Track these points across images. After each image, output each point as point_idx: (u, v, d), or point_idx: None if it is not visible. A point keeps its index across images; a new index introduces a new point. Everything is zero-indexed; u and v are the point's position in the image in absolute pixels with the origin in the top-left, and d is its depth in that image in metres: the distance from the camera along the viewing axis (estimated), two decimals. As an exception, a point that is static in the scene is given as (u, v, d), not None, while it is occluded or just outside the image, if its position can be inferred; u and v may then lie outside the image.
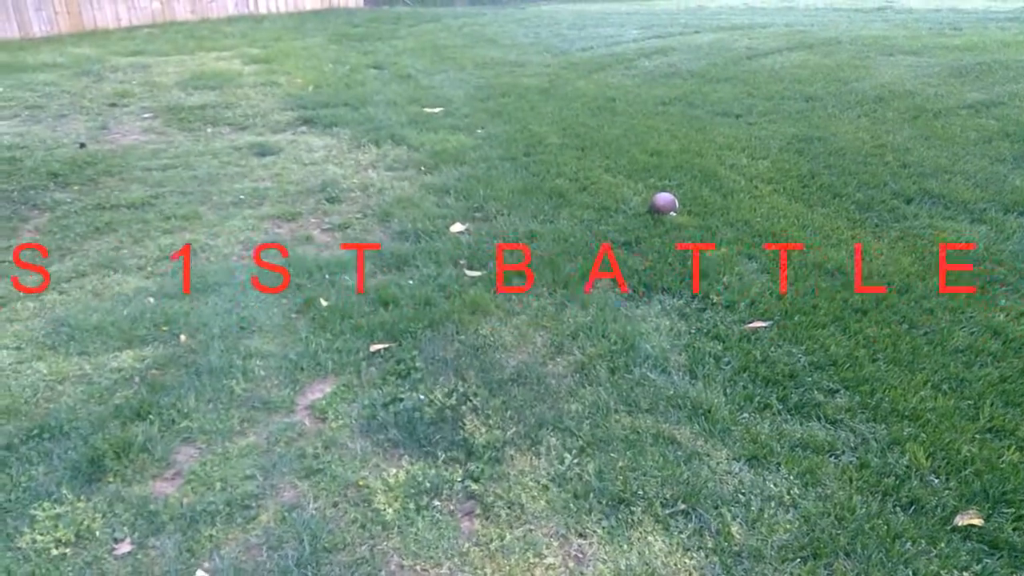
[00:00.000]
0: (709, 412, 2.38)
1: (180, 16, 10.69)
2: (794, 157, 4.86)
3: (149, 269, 3.48)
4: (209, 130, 5.81)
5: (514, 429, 2.33)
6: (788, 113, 5.88)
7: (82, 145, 5.31)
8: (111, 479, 2.13)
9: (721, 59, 7.86)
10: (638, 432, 2.29)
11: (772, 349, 2.73)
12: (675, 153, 4.98)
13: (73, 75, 7.36)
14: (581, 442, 2.26)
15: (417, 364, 2.69)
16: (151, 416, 2.38)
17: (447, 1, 13.55)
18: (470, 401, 2.47)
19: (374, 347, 2.83)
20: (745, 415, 2.39)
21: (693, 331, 2.87)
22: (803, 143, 5.12)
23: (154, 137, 5.61)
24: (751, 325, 2.89)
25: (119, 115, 6.16)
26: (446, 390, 2.53)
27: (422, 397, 2.50)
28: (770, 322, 2.91)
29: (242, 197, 4.41)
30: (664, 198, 4.02)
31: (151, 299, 3.16)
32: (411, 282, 3.34)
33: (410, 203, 4.31)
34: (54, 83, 7.02)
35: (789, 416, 2.39)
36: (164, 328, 2.92)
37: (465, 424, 2.37)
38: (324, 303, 3.15)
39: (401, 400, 2.49)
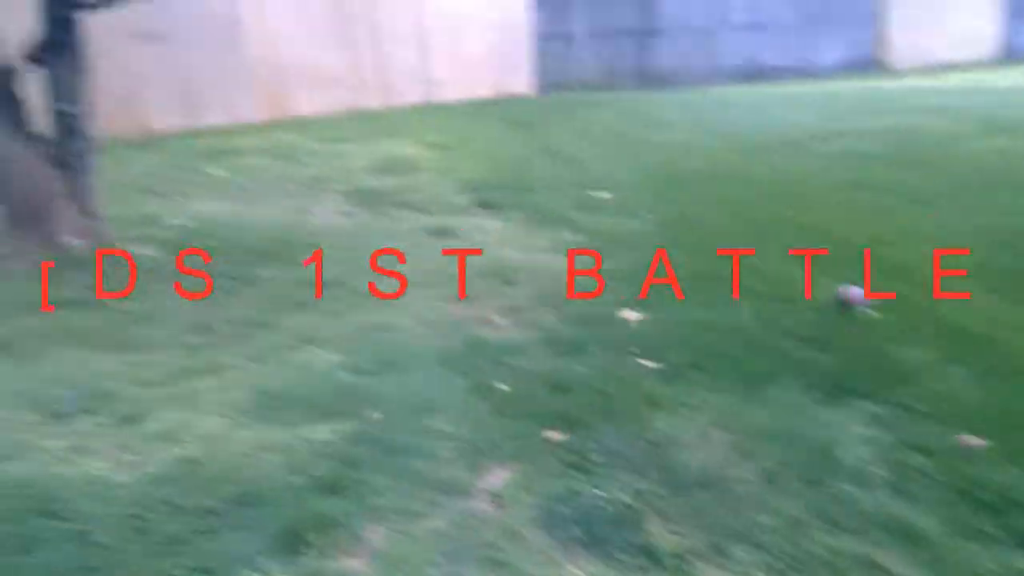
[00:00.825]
0: (920, 536, 2.17)
1: (370, 105, 11.65)
2: (1006, 253, 4.48)
3: (343, 345, 3.70)
4: (394, 213, 6.20)
5: (700, 537, 2.23)
6: (991, 204, 5.46)
7: (287, 225, 5.82)
8: (308, 552, 2.24)
9: (910, 143, 7.49)
10: (839, 554, 2.12)
11: (991, 470, 2.46)
12: (862, 242, 4.74)
13: (277, 159, 8.15)
14: (775, 560, 2.13)
15: (594, 457, 2.66)
16: (345, 491, 2.50)
17: (616, 86, 13.88)
18: (651, 502, 2.40)
19: (550, 434, 2.83)
20: (962, 543, 2.16)
21: (895, 442, 2.66)
22: (1015, 236, 4.72)
23: (345, 219, 6.07)
24: (964, 441, 2.63)
25: (316, 197, 6.72)
26: (626, 488, 2.48)
27: (601, 493, 2.45)
28: (986, 439, 2.64)
29: (423, 278, 4.63)
30: (854, 291, 3.82)
31: (344, 374, 3.36)
32: (585, 369, 3.34)
33: (581, 287, 4.35)
34: (261, 167, 7.81)
35: (1015, 549, 2.13)
36: (356, 403, 3.08)
37: (647, 527, 2.29)
38: (500, 386, 3.21)
39: (579, 494, 2.46)
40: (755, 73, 14.65)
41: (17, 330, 3.90)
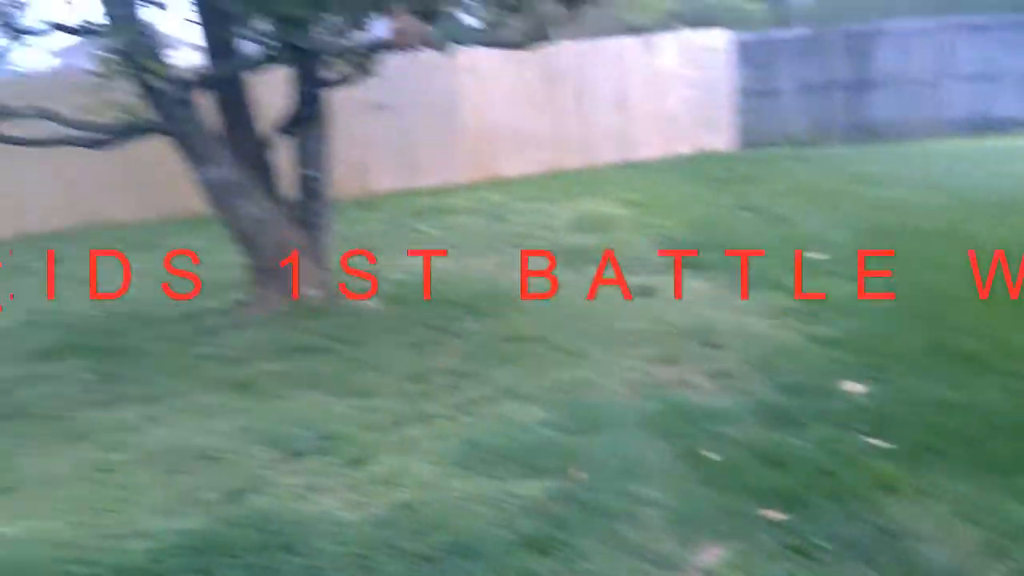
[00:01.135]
0: None
1: (569, 165, 11.98)
2: None
3: (546, 400, 3.77)
4: (593, 270, 6.27)
5: (948, 645, 1.99)
6: None
7: (492, 281, 6.08)
8: (520, 609, 2.26)
9: None
10: None
11: None
12: None
13: (484, 218, 8.57)
14: None
15: (819, 542, 2.47)
16: (554, 552, 2.51)
17: (822, 141, 13.26)
18: (888, 598, 2.19)
19: (766, 513, 2.68)
20: None
21: None
22: None
23: (547, 276, 6.22)
24: None
25: (518, 254, 6.97)
26: (857, 579, 2.28)
27: (829, 583, 2.27)
28: None
29: (624, 337, 4.63)
30: None
31: (548, 431, 3.40)
32: (804, 444, 3.14)
33: (795, 354, 4.13)
34: (469, 225, 8.24)
35: None
36: (560, 461, 3.11)
37: (883, 625, 2.09)
38: (709, 455, 3.10)
39: (803, 582, 2.30)
40: (983, 125, 13.41)
41: (259, 372, 4.35)
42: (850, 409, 3.41)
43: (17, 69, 7.59)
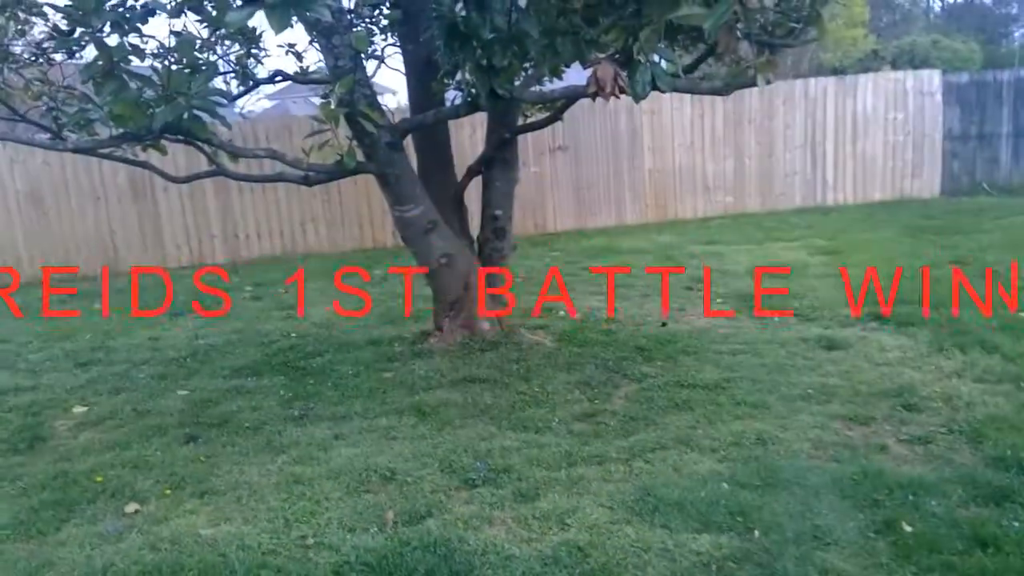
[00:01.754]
0: None
1: (750, 208, 11.60)
2: None
3: (722, 453, 3.62)
4: (776, 319, 5.98)
5: None
6: None
7: (664, 324, 5.98)
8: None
9: None
10: None
11: None
12: None
13: (657, 259, 8.47)
14: None
15: (1039, 639, 2.17)
16: (728, 613, 2.39)
17: (1041, 190, 11.94)
18: None
19: (975, 600, 2.40)
20: None
21: None
22: None
23: (725, 322, 6.02)
24: None
25: (694, 298, 6.81)
26: None
27: None
28: None
29: (809, 391, 4.36)
30: None
31: (725, 485, 3.26)
32: (1016, 524, 2.80)
33: (1008, 424, 3.70)
34: (641, 265, 8.17)
35: None
36: (738, 518, 2.96)
37: None
38: (907, 528, 2.83)
39: None
40: None
41: (437, 400, 4.53)
42: (1080, 493, 3.00)
43: (243, 111, 8.54)
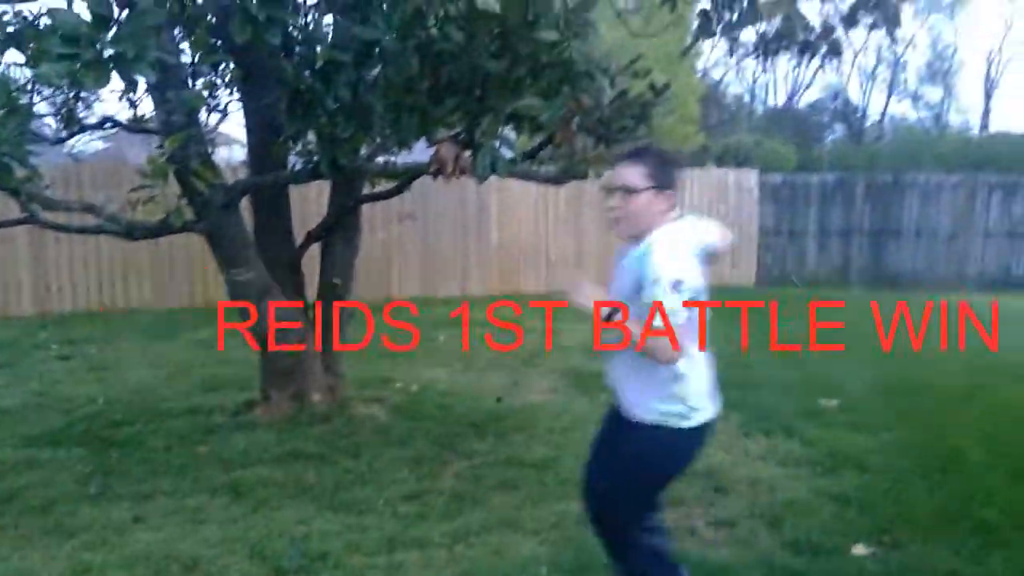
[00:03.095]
0: None
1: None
2: None
3: (544, 535, 3.66)
4: (604, 396, 6.19)
5: None
6: None
7: (499, 400, 6.04)
8: None
9: None
10: None
11: None
12: None
13: (499, 333, 8.60)
14: None
15: None
16: None
17: (840, 285, 13.35)
18: None
19: None
20: None
21: None
22: None
23: (557, 398, 6.17)
24: None
25: (530, 373, 6.94)
26: None
27: None
28: None
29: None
30: None
31: (544, 569, 3.28)
32: (807, 609, 3.00)
33: (804, 509, 4.00)
34: (482, 337, 8.26)
35: None
36: (553, 606, 2.98)
37: None
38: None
39: None
40: (1006, 281, 13.51)
41: (255, 477, 4.28)
42: (859, 573, 3.27)
43: (69, 153, 7.98)
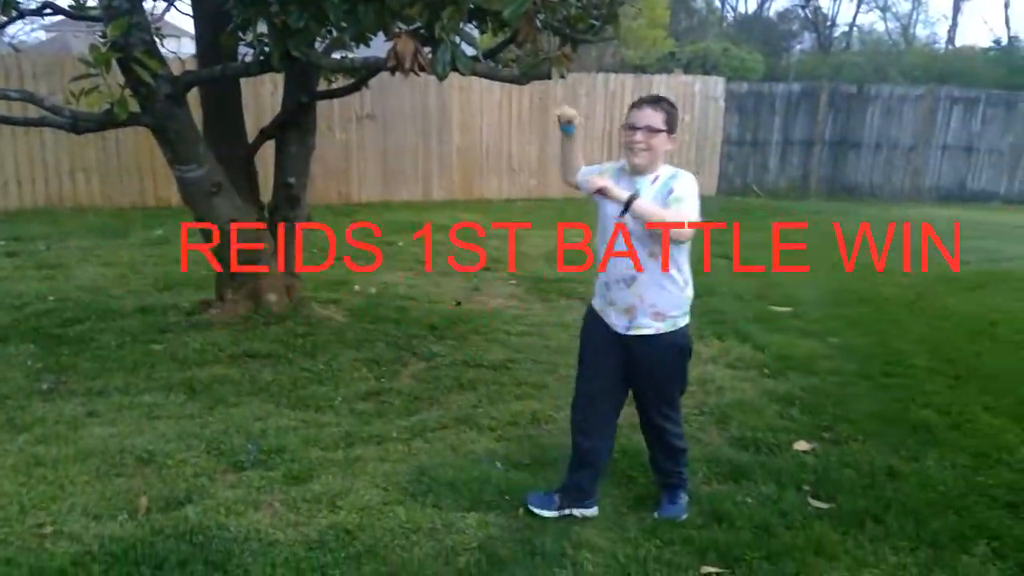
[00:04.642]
0: None
1: (552, 193, 12.04)
2: None
3: (499, 432, 3.74)
4: (563, 302, 6.27)
5: None
6: None
7: (458, 303, 6.06)
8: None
9: None
10: None
11: None
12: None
13: (460, 238, 8.54)
14: None
15: (753, 603, 2.46)
16: (486, 592, 2.47)
17: (800, 195, 13.48)
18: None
19: (706, 569, 2.67)
20: None
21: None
22: None
23: (516, 303, 6.21)
24: None
25: (489, 279, 6.95)
26: (785, 645, 2.26)
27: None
28: None
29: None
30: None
31: (499, 464, 3.37)
32: (748, 500, 3.14)
33: (751, 409, 4.14)
34: (443, 242, 8.22)
35: None
36: (506, 497, 3.07)
37: None
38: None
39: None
40: (960, 195, 13.79)
41: (211, 376, 4.27)
42: (798, 468, 3.42)
43: (9, 42, 7.49)
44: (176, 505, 2.92)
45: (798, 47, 28.70)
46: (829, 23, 30.49)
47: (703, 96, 13.04)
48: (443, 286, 6.61)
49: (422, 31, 4.18)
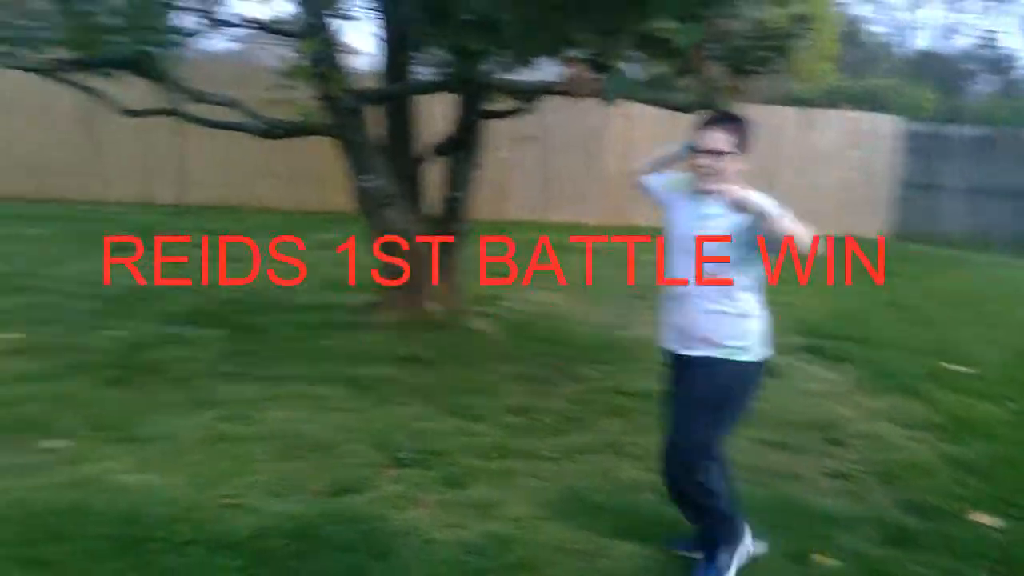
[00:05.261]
0: None
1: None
2: None
3: (648, 463, 3.67)
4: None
5: None
6: None
7: (615, 329, 6.05)
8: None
9: None
10: None
11: None
12: None
13: (614, 262, 8.54)
14: None
15: None
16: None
17: (982, 246, 12.46)
18: None
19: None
20: None
21: None
22: None
23: (667, 333, 6.11)
24: None
25: (640, 307, 6.89)
26: None
27: None
28: None
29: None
30: None
31: (649, 495, 3.32)
32: (924, 571, 2.92)
33: (922, 470, 3.85)
34: (598, 267, 8.24)
35: None
36: (656, 528, 3.02)
37: None
38: (820, 559, 2.93)
39: None
40: None
41: (377, 375, 4.49)
42: (978, 543, 3.14)
43: (206, 52, 8.25)
44: (343, 492, 3.09)
45: (976, 87, 26.65)
46: (1012, 64, 28.10)
47: (872, 134, 12.39)
48: (596, 308, 6.63)
49: (593, 56, 4.26)
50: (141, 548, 2.55)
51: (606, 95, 4.06)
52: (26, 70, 5.00)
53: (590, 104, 10.25)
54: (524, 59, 4.52)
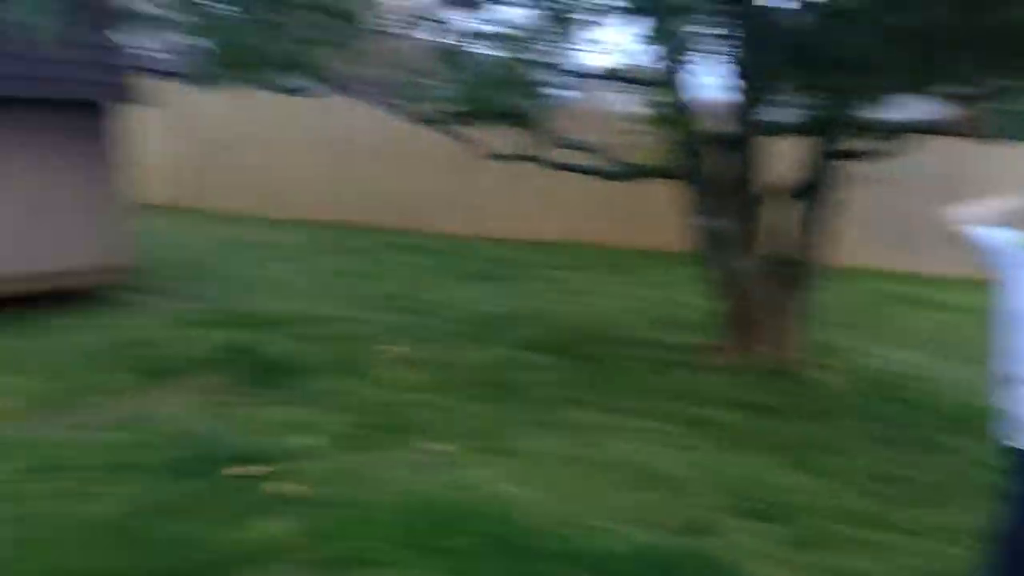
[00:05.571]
0: None
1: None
2: None
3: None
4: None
5: None
6: None
7: (982, 399, 5.30)
8: None
9: None
10: None
11: None
12: None
13: (982, 322, 7.49)
14: None
15: None
16: None
17: None
18: None
19: None
20: None
21: None
22: None
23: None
24: None
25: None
26: None
27: None
28: None
29: None
30: None
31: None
32: None
33: None
34: (962, 326, 7.27)
35: None
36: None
37: None
38: None
39: None
40: None
41: (713, 416, 4.44)
42: None
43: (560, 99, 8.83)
44: (695, 532, 3.07)
45: None
46: None
47: None
48: (955, 371, 5.87)
49: (976, 92, 3.84)
50: (518, 553, 2.77)
51: (988, 132, 3.64)
52: (416, 121, 5.71)
53: (952, 143, 9.19)
54: (900, 97, 4.22)
